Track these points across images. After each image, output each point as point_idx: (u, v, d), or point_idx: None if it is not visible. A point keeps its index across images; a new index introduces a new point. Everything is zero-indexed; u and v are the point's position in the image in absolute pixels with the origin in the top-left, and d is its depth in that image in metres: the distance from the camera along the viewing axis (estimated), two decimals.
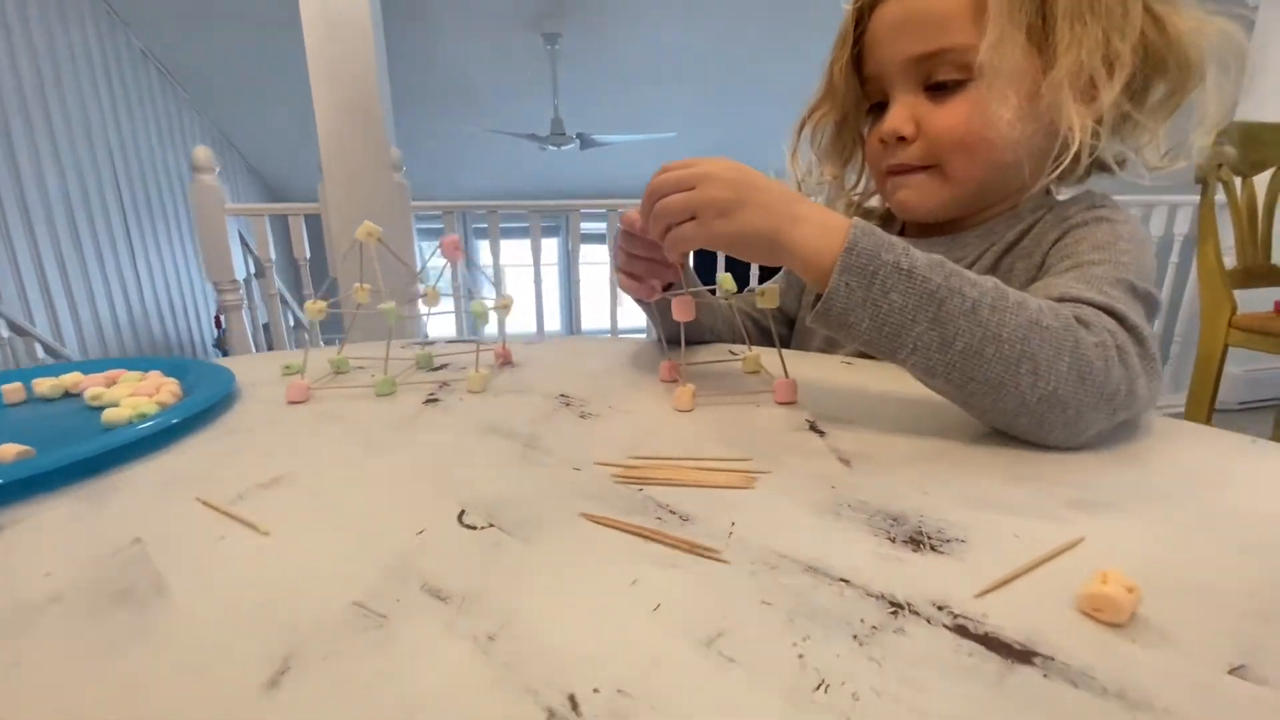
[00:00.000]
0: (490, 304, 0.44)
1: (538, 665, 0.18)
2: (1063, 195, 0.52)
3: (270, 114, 4.11)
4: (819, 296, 0.33)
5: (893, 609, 0.20)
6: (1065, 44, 0.41)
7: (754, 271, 1.97)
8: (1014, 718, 0.16)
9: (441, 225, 2.07)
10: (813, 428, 0.35)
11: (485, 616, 0.20)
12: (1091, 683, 0.17)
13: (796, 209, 0.35)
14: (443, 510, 0.27)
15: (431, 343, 0.57)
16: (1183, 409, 1.53)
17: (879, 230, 0.34)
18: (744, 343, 0.54)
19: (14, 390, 0.44)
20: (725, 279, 0.41)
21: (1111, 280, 0.38)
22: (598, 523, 0.26)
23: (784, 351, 0.45)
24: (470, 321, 0.50)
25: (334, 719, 0.16)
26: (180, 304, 3.74)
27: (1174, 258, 2.33)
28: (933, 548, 0.23)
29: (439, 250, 0.43)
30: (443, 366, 0.50)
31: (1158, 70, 0.43)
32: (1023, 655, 0.18)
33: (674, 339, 0.47)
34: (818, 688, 0.17)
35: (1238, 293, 1.42)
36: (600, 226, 2.06)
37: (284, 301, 2.50)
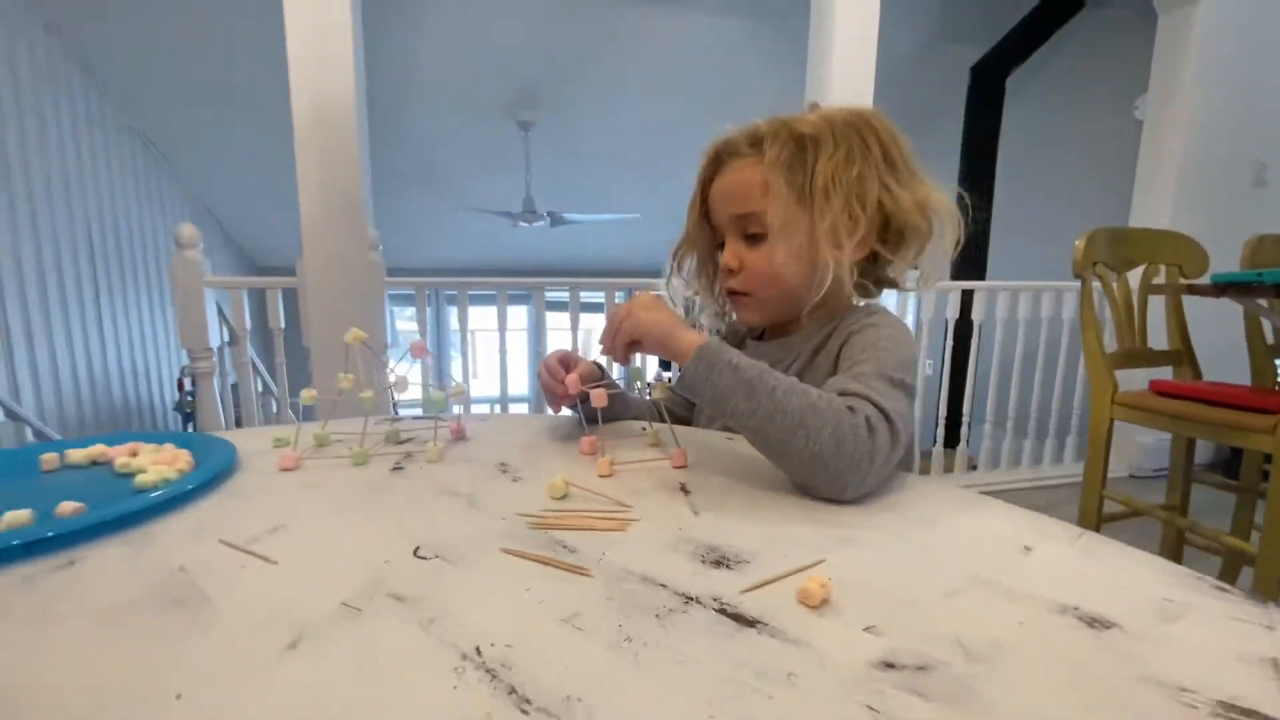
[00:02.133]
0: (446, 392, 0.56)
1: (460, 635, 0.29)
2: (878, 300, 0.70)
3: (248, 186, 4.27)
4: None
5: (686, 601, 0.32)
6: (819, 211, 0.59)
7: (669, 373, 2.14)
8: (732, 654, 0.28)
9: (413, 293, 2.20)
10: (683, 488, 0.48)
11: (427, 611, 0.31)
12: (784, 634, 0.29)
13: (681, 325, 0.54)
14: (403, 547, 0.38)
15: (399, 419, 0.68)
16: (1078, 476, 1.70)
17: (724, 344, 0.51)
18: (662, 421, 0.68)
19: (51, 459, 0.54)
20: (635, 370, 0.56)
21: (874, 374, 0.52)
22: (511, 554, 0.37)
23: (687, 430, 0.59)
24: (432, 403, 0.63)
25: (328, 668, 0.27)
26: (143, 367, 3.75)
27: (1064, 337, 2.59)
28: (728, 566, 0.36)
29: (409, 351, 0.56)
30: (408, 440, 0.61)
31: (900, 228, 0.61)
32: (751, 623, 0.30)
33: (593, 419, 0.60)
34: (625, 640, 0.29)
35: (1121, 373, 1.62)
36: (564, 295, 2.23)
37: (254, 368, 2.57)
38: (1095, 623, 0.30)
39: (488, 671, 0.27)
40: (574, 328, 2.37)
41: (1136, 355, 1.68)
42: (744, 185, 0.62)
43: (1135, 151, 2.82)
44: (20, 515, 0.41)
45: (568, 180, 4.79)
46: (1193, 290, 1.50)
